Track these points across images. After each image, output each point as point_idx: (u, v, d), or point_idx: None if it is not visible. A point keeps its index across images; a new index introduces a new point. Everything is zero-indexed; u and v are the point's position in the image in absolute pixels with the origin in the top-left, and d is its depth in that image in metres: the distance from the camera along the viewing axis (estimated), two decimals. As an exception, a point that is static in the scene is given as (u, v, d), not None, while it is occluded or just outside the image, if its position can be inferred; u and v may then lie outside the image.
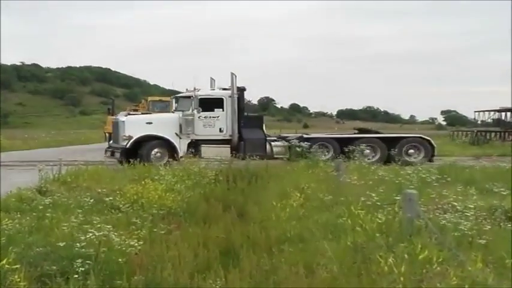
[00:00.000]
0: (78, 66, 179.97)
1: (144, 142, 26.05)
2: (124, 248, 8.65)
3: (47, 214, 11.17)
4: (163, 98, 45.93)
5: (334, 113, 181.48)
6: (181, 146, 26.39)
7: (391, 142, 27.76)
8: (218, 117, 27.15)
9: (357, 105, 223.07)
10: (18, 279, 6.69)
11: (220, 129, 27.11)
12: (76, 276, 7.30)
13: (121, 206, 12.63)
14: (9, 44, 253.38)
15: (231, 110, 27.09)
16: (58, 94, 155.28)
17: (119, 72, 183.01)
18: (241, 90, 27.87)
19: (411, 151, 27.79)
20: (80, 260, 7.72)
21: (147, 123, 26.79)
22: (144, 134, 26.15)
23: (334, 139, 28.24)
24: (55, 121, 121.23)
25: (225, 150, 26.37)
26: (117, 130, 26.97)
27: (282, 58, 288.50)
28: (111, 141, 28.97)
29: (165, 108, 43.02)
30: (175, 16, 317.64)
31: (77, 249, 8.34)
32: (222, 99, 27.35)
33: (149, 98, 46.37)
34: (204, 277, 7.52)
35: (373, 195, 11.82)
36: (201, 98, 26.94)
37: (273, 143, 27.71)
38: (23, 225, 10.21)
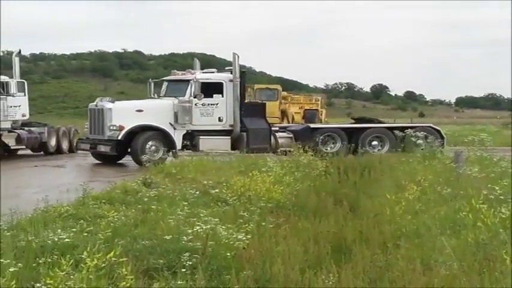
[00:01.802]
0: (181, 53, 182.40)
1: (136, 134, 24.15)
2: (231, 242, 8.81)
3: (152, 206, 11.48)
4: (270, 86, 46.20)
5: (453, 100, 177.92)
6: (177, 137, 24.57)
7: (398, 132, 27.16)
8: (217, 104, 25.20)
9: (478, 92, 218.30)
10: (126, 273, 6.90)
11: (219, 118, 25.22)
12: (183, 270, 7.49)
13: (228, 198, 12.85)
14: (111, 31, 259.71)
15: (233, 97, 25.15)
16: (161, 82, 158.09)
17: (224, 59, 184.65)
18: (243, 72, 26.06)
19: (420, 141, 26.58)
20: (187, 254, 7.91)
21: (137, 111, 24.74)
22: (137, 124, 24.18)
23: (342, 129, 27.58)
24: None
25: (225, 142, 24.93)
26: (101, 119, 24.62)
27: (396, 43, 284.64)
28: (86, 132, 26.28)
29: (272, 96, 43.26)
30: (280, 2, 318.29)
31: (183, 242, 8.56)
32: (222, 83, 25.36)
33: (256, 86, 46.67)
34: (315, 273, 7.59)
35: (496, 188, 11.63)
36: (201, 82, 24.92)
37: (277, 134, 26.43)
38: (128, 218, 10.54)
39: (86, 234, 9.00)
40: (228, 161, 20.32)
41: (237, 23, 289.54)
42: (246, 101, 26.41)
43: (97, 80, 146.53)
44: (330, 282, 7.34)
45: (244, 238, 9.10)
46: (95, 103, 25.54)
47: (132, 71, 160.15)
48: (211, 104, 25.07)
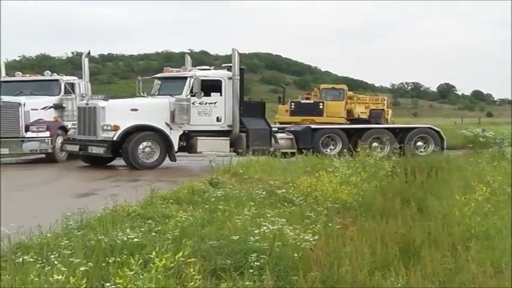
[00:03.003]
0: (247, 53, 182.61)
1: (129, 133, 22.82)
2: (298, 243, 8.78)
3: (219, 206, 11.51)
4: (337, 86, 46.06)
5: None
6: (174, 138, 23.25)
7: (400, 133, 26.72)
8: (215, 103, 23.91)
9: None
10: (194, 273, 6.93)
11: (217, 118, 23.90)
12: (251, 271, 7.49)
13: (294, 198, 12.82)
14: (177, 31, 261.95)
15: (232, 95, 23.92)
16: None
17: (289, 59, 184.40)
18: (241, 70, 24.64)
19: (419, 143, 26.50)
20: (254, 254, 7.91)
21: (131, 110, 23.32)
22: (133, 123, 22.83)
23: (342, 130, 26.73)
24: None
25: (224, 144, 23.75)
26: (93, 118, 23.16)
27: (463, 42, 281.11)
28: (74, 133, 24.50)
29: (338, 96, 43.15)
30: (345, 1, 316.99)
31: (250, 243, 8.55)
32: (221, 81, 24.09)
33: (321, 86, 46.61)
34: (383, 275, 7.52)
35: None
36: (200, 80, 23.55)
37: (278, 135, 25.30)
38: (195, 218, 10.58)
39: (154, 234, 9.07)
40: (294, 161, 20.24)
41: (302, 22, 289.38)
42: (245, 99, 25.49)
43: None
44: (399, 285, 7.26)
45: (311, 239, 9.06)
46: (85, 101, 24.44)
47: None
48: (209, 103, 23.86)
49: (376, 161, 18.57)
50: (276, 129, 25.82)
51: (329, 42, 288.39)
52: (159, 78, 25.71)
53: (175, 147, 23.10)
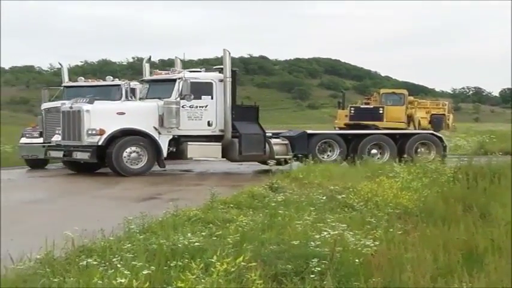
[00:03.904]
0: (306, 58, 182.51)
1: (115, 138, 21.80)
2: (359, 248, 8.72)
3: (279, 211, 11.51)
4: (397, 91, 45.66)
5: None
6: (162, 143, 22.22)
7: (400, 139, 25.63)
8: (206, 106, 22.79)
9: None
10: (255, 277, 6.94)
11: (208, 122, 22.76)
12: (312, 276, 7.46)
13: (355, 204, 12.76)
14: (237, 36, 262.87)
15: (223, 98, 22.80)
16: (286, 87, 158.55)
17: (349, 64, 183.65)
18: (233, 72, 23.60)
19: (421, 149, 25.41)
20: (315, 260, 7.88)
21: (118, 113, 22.24)
22: (119, 127, 21.80)
23: (340, 136, 25.38)
24: (282, 115, 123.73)
25: (215, 149, 22.71)
26: (77, 122, 22.13)
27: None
28: (55, 138, 23.56)
29: (398, 101, 42.77)
30: (405, 5, 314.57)
31: (311, 248, 8.53)
32: (212, 83, 22.97)
33: (381, 91, 46.30)
34: (446, 281, 7.43)
35: None
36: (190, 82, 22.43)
37: (272, 140, 23.89)
38: (256, 222, 10.60)
39: (214, 238, 9.11)
40: (353, 167, 20.14)
41: (362, 27, 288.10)
42: (237, 103, 24.18)
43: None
44: (463, 292, 7.17)
45: (372, 244, 8.99)
46: (69, 104, 23.09)
47: (257, 76, 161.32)
48: (199, 107, 22.75)
49: (437, 167, 18.39)
50: (270, 134, 24.53)
51: (389, 47, 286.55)
52: (147, 81, 24.91)
53: (165, 153, 22.16)
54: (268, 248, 8.74)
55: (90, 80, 29.28)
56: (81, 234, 8.79)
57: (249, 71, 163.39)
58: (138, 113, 22.51)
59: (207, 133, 22.82)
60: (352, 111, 41.93)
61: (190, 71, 23.68)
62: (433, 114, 45.74)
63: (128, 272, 6.77)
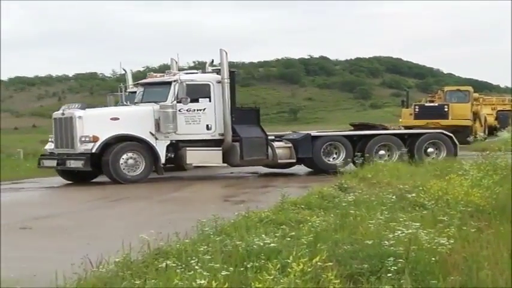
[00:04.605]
0: (367, 57, 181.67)
1: (110, 145, 21.06)
2: (434, 247, 8.67)
3: (351, 211, 11.51)
4: (462, 88, 45.13)
5: None
6: (159, 149, 21.43)
7: (409, 139, 24.83)
8: (204, 109, 21.99)
9: None
10: (332, 277, 6.96)
11: (207, 126, 21.99)
12: (389, 275, 7.45)
13: (425, 202, 12.66)
14: (296, 37, 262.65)
15: (222, 101, 22.03)
16: (347, 87, 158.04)
17: (411, 62, 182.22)
18: (232, 72, 22.85)
19: (430, 149, 24.66)
20: (391, 259, 7.87)
21: (111, 119, 21.44)
22: (114, 133, 21.06)
23: (346, 137, 24.18)
24: (345, 115, 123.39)
25: (215, 154, 21.83)
26: (70, 129, 21.34)
27: None
28: (48, 146, 23.00)
29: (463, 98, 42.26)
30: (465, 1, 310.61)
31: (385, 247, 8.51)
32: (209, 85, 22.22)
33: (446, 88, 45.79)
34: (524, 279, 7.34)
35: None
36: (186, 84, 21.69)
37: (275, 144, 23.00)
38: (328, 223, 10.62)
39: (288, 239, 9.14)
40: (421, 166, 19.97)
41: (423, 24, 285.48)
42: (237, 105, 23.41)
43: (284, 87, 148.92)
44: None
45: (446, 243, 8.92)
46: (60, 111, 22.22)
47: (318, 77, 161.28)
48: (197, 110, 21.94)
49: (507, 164, 18.13)
50: (272, 137, 23.61)
51: (450, 44, 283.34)
52: (142, 85, 23.90)
53: (162, 159, 21.39)
54: (342, 248, 8.75)
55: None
56: (156, 237, 8.91)
57: (310, 72, 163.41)
58: (133, 118, 21.71)
59: (206, 137, 22.09)
60: (417, 110, 41.56)
61: (186, 73, 23.15)
62: (499, 110, 45.17)
63: (207, 274, 6.85)
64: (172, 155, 21.65)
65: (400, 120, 42.61)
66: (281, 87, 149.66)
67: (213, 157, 21.82)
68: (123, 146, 20.97)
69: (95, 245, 9.91)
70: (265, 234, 9.33)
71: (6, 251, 10.53)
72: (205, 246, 8.45)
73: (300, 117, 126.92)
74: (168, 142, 21.58)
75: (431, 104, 43.49)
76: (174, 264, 7.50)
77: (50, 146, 22.54)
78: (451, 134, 25.52)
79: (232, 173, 22.96)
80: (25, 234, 12.55)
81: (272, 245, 8.41)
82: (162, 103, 21.58)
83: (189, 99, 21.51)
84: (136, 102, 23.00)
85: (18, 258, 9.74)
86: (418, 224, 10.00)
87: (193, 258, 7.76)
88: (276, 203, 12.86)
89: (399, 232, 9.06)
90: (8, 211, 15.81)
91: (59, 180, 22.39)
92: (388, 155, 23.85)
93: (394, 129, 26.83)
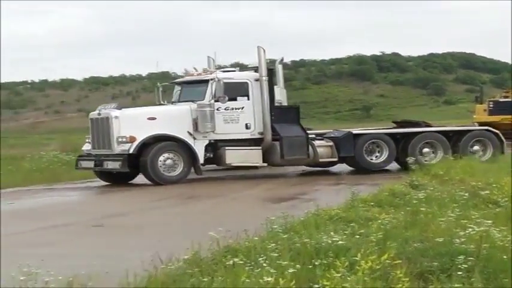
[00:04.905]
0: (440, 52, 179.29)
1: (147, 145, 20.61)
2: (507, 245, 8.52)
3: (421, 209, 11.38)
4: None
5: None
6: (198, 149, 20.93)
7: (454, 137, 23.77)
8: (242, 108, 21.59)
9: None
10: (401, 275, 6.90)
11: (246, 125, 21.57)
12: (459, 273, 7.34)
13: (499, 200, 12.46)
14: (368, 34, 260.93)
15: (261, 99, 21.56)
16: (420, 83, 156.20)
17: (484, 57, 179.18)
18: (270, 70, 22.35)
19: (476, 147, 23.56)
20: (461, 257, 7.76)
21: (148, 118, 21.06)
22: (151, 133, 20.61)
23: (388, 135, 23.28)
24: (418, 112, 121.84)
25: (255, 154, 21.34)
26: (106, 130, 20.98)
27: None
28: (85, 147, 22.51)
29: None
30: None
31: (456, 245, 8.40)
32: (247, 83, 21.77)
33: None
34: None
35: None
36: (224, 83, 21.23)
37: (315, 143, 22.33)
38: (398, 220, 10.53)
39: (357, 236, 9.09)
40: (495, 162, 19.66)
41: (494, 18, 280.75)
42: (276, 104, 22.66)
43: (356, 84, 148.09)
44: None
45: (520, 241, 8.76)
46: (97, 111, 21.87)
47: (390, 74, 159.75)
48: (235, 108, 21.53)
49: None
50: (313, 136, 22.97)
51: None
52: (179, 84, 23.39)
53: (201, 159, 20.92)
54: (412, 246, 8.67)
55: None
56: (225, 234, 8.95)
57: (382, 68, 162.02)
58: (170, 118, 21.31)
59: (245, 136, 21.64)
60: (491, 106, 40.81)
61: (224, 71, 22.61)
62: None
63: (274, 271, 6.86)
64: (211, 155, 21.29)
65: (474, 116, 41.90)
66: (353, 84, 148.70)
67: (253, 156, 21.42)
68: (161, 146, 20.59)
69: (165, 243, 10.02)
70: (334, 231, 9.30)
71: (79, 248, 10.78)
72: (273, 244, 8.45)
73: (373, 114, 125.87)
74: (207, 142, 21.21)
75: (506, 100, 42.59)
76: (241, 262, 7.53)
77: (87, 147, 22.19)
78: (497, 131, 24.50)
79: (303, 171, 22.84)
80: (97, 232, 12.79)
81: (340, 242, 8.38)
82: (200, 102, 21.23)
83: (227, 98, 21.19)
84: (173, 102, 22.82)
85: (90, 255, 9.92)
86: (490, 221, 9.84)
87: (262, 255, 7.78)
88: (346, 200, 12.82)
89: (470, 230, 8.92)
90: (79, 209, 16.16)
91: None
92: (433, 152, 23.17)
93: (438, 126, 25.91)
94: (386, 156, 22.79)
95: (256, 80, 21.68)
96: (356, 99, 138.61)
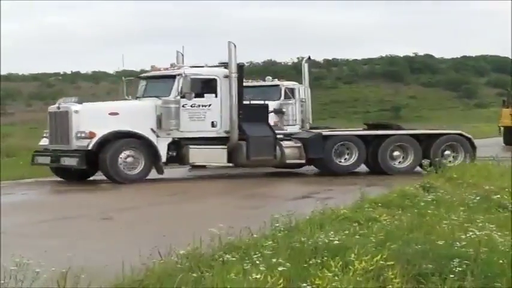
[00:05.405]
0: (473, 55, 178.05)
1: (107, 141, 19.70)
2: (507, 250, 8.50)
3: (429, 211, 11.36)
4: None
5: None
6: (161, 147, 20.15)
7: (425, 141, 23.05)
8: (209, 105, 20.81)
9: None
10: (393, 276, 6.92)
11: (212, 123, 20.85)
12: (452, 276, 7.34)
13: (508, 204, 12.42)
14: (402, 35, 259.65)
15: (229, 96, 20.84)
16: (452, 86, 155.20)
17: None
18: (240, 67, 21.48)
19: (447, 152, 22.96)
20: (457, 260, 7.75)
21: (110, 114, 20.14)
22: (112, 129, 19.65)
23: (359, 137, 22.63)
24: (448, 114, 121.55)
25: (220, 153, 20.66)
26: (65, 124, 20.02)
27: None
28: (42, 142, 21.63)
29: None
30: None
31: (456, 248, 8.39)
32: (215, 80, 20.98)
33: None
34: None
35: None
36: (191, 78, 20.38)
37: (283, 143, 21.69)
38: (402, 222, 10.52)
39: (357, 236, 9.11)
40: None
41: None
42: (244, 102, 21.90)
43: (387, 85, 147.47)
44: None
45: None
46: (56, 105, 20.92)
47: (422, 75, 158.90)
48: (202, 106, 20.74)
49: None
50: (281, 136, 22.30)
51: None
52: (144, 78, 22.52)
53: (163, 158, 20.17)
54: (412, 248, 8.66)
55: (249, 81, 29.72)
56: (227, 232, 8.99)
57: (414, 70, 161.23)
58: (133, 114, 20.46)
59: (211, 135, 20.93)
60: (517, 110, 40.45)
61: (192, 67, 21.64)
62: None
63: (264, 268, 6.90)
64: (174, 154, 20.53)
65: (500, 120, 41.52)
66: (384, 84, 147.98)
67: (217, 156, 20.79)
68: (121, 143, 19.72)
69: (170, 238, 10.08)
70: (335, 231, 9.31)
71: (84, 241, 10.91)
72: (271, 242, 8.49)
73: (402, 115, 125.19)
74: (170, 140, 20.47)
75: None
76: (234, 259, 7.58)
77: (44, 142, 21.32)
78: (470, 136, 23.95)
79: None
80: (105, 225, 12.94)
81: (336, 242, 8.38)
82: (165, 98, 20.50)
83: (193, 94, 20.46)
84: (137, 97, 22.01)
85: (93, 248, 10.05)
86: (494, 225, 9.83)
87: (257, 253, 7.82)
88: (355, 201, 12.83)
89: (471, 233, 8.93)
90: (89, 203, 16.29)
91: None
92: (403, 157, 22.63)
93: (409, 129, 25.04)
94: (355, 159, 22.23)
95: (226, 76, 20.96)
96: (386, 100, 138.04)
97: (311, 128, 26.73)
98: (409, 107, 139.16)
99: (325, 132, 23.06)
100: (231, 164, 21.26)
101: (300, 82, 28.64)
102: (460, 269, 7.53)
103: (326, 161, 21.91)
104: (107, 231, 12.22)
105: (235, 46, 20.80)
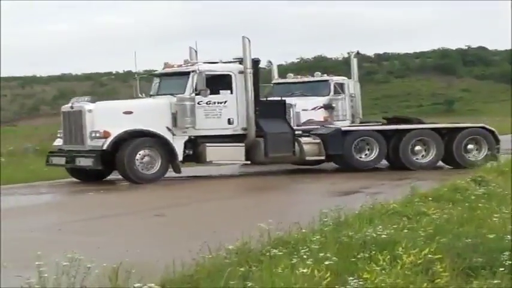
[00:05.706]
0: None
1: (122, 141, 19.29)
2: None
3: (480, 205, 11.29)
4: None
5: None
6: (177, 145, 19.69)
7: (447, 135, 22.53)
8: (225, 102, 20.40)
9: None
10: (441, 270, 6.91)
11: (229, 120, 20.39)
12: (502, 269, 7.29)
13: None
14: (453, 27, 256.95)
15: (245, 92, 20.41)
16: (505, 78, 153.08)
17: None
18: (256, 62, 21.00)
19: (470, 146, 22.43)
20: (507, 253, 7.70)
21: (124, 112, 19.70)
22: (126, 128, 19.25)
23: (379, 132, 22.20)
24: (502, 107, 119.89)
25: (238, 151, 20.23)
26: (79, 124, 19.68)
27: None
28: (56, 142, 21.27)
29: None
30: None
31: (507, 241, 8.33)
32: (230, 76, 20.57)
33: None
34: None
35: None
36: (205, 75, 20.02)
37: (302, 139, 21.25)
38: (452, 216, 10.46)
39: (406, 231, 9.09)
40: None
41: None
42: (261, 98, 21.46)
43: (439, 78, 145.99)
44: None
45: None
46: (69, 104, 20.55)
47: (475, 68, 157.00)
48: (218, 102, 20.31)
49: None
50: (300, 132, 21.88)
51: None
52: (157, 76, 22.05)
53: (180, 156, 19.70)
54: (462, 241, 8.62)
55: (299, 77, 29.69)
56: (277, 227, 9.04)
57: (467, 62, 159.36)
58: (148, 112, 20.06)
59: (227, 132, 20.46)
60: None
61: (206, 62, 21.11)
62: None
63: (311, 263, 6.94)
64: (191, 152, 20.12)
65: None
66: (436, 78, 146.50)
67: (235, 154, 20.36)
68: (137, 142, 19.35)
69: (220, 234, 10.16)
70: (384, 226, 9.30)
71: (137, 237, 11.06)
72: (319, 236, 8.52)
73: (455, 108, 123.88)
74: (186, 138, 20.02)
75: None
76: (281, 253, 7.63)
77: (58, 142, 20.97)
78: (493, 129, 23.28)
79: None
80: (157, 222, 13.08)
81: (383, 236, 8.38)
82: (180, 95, 20.01)
83: (208, 91, 19.97)
84: (151, 95, 21.65)
85: (145, 244, 10.18)
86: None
87: (305, 247, 7.86)
88: (405, 195, 12.79)
89: (523, 226, 8.86)
90: (140, 201, 16.47)
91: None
92: (425, 151, 22.16)
93: (430, 123, 24.68)
94: (376, 154, 21.84)
95: (241, 72, 20.54)
96: (439, 93, 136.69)
97: (361, 123, 26.69)
98: (462, 100, 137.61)
99: (345, 128, 22.79)
100: (248, 162, 20.97)
101: (350, 77, 28.56)
102: (511, 262, 7.48)
103: (346, 157, 21.62)
104: (158, 228, 12.37)
105: (249, 41, 20.44)
